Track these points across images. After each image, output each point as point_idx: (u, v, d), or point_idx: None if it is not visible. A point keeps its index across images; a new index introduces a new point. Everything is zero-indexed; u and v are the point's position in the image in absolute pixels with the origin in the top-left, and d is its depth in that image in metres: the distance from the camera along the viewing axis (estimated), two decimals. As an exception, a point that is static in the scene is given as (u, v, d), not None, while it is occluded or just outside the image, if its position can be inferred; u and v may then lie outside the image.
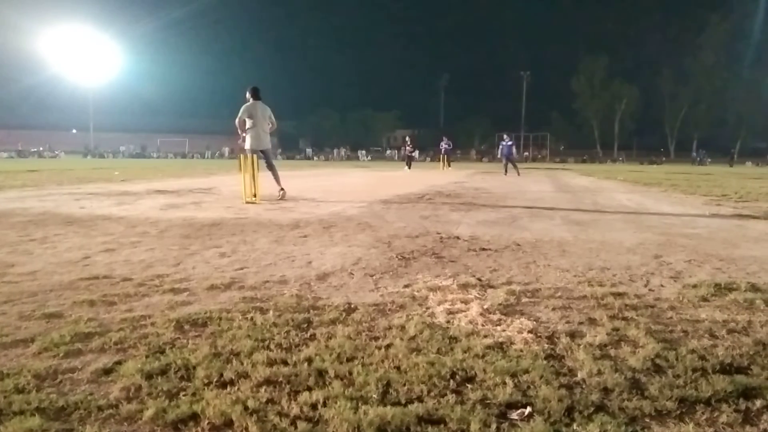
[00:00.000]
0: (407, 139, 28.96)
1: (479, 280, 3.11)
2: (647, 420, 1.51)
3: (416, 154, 29.33)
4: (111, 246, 4.07)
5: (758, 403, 1.60)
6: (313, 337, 2.12)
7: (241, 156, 8.08)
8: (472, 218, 6.12)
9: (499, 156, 20.35)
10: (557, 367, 1.84)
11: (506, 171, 18.90)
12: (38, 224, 5.17)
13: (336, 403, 1.56)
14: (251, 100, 8.16)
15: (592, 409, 1.55)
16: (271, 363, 1.84)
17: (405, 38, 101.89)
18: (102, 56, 59.63)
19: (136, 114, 70.02)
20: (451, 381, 1.72)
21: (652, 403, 1.59)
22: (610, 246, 4.29)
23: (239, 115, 8.15)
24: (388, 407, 1.53)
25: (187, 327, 2.23)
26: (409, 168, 24.64)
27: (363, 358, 1.91)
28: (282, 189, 8.28)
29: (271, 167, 8.47)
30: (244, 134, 8.18)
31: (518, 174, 18.59)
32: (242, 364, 1.83)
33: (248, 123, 8.09)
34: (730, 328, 2.27)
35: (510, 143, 19.38)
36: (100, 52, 59.31)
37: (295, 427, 1.44)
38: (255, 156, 7.99)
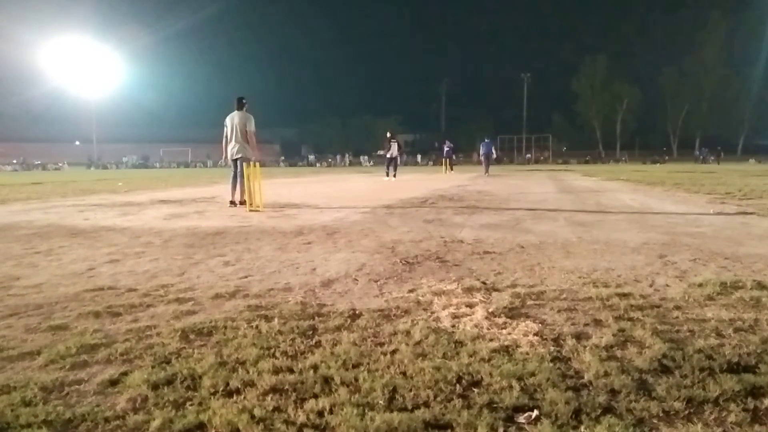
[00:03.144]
0: (389, 135, 19.38)
1: (484, 283, 3.10)
2: (655, 421, 1.50)
3: (395, 152, 18.79)
4: (115, 257, 4.08)
5: (767, 401, 1.59)
6: (318, 344, 2.12)
7: (245, 165, 8.14)
8: (476, 221, 6.12)
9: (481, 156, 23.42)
10: (564, 370, 1.83)
11: (487, 170, 22.22)
12: (43, 237, 5.20)
13: (342, 409, 1.56)
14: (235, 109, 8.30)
15: (599, 411, 1.54)
16: (276, 371, 1.84)
17: (405, 44, 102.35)
18: (104, 68, 59.97)
19: (138, 124, 70.31)
20: (458, 385, 1.72)
21: (659, 403, 1.58)
22: (615, 246, 4.28)
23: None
24: (395, 413, 1.53)
25: (192, 336, 2.24)
26: (388, 176, 18.32)
27: (369, 364, 1.91)
28: (242, 201, 8.08)
29: (240, 177, 8.23)
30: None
31: (485, 173, 21.61)
32: (248, 372, 1.84)
33: (225, 132, 8.28)
34: (736, 326, 2.26)
35: (488, 142, 23.59)
36: (103, 64, 59.66)
37: (302, 435, 1.44)
38: (257, 165, 8.04)
